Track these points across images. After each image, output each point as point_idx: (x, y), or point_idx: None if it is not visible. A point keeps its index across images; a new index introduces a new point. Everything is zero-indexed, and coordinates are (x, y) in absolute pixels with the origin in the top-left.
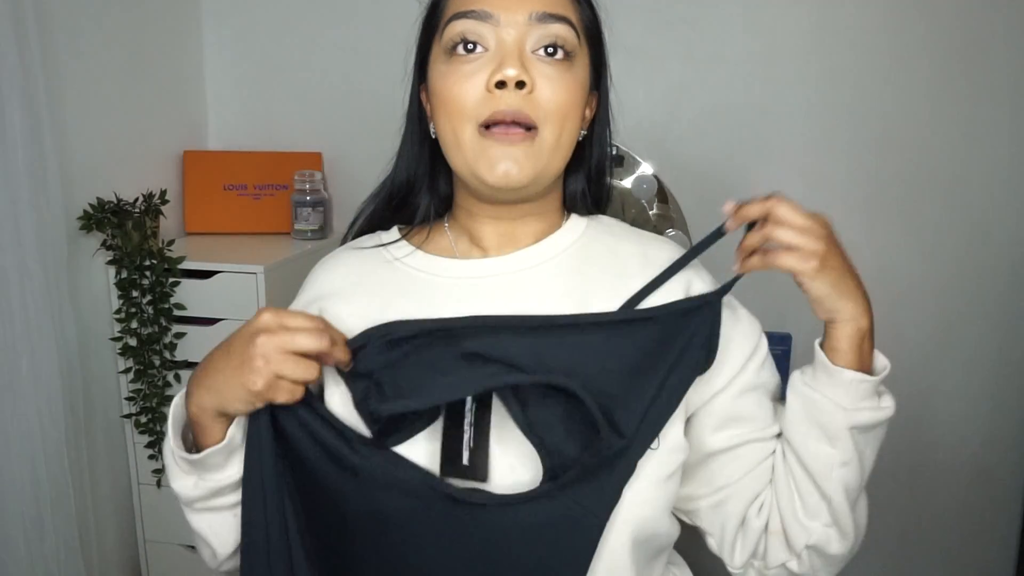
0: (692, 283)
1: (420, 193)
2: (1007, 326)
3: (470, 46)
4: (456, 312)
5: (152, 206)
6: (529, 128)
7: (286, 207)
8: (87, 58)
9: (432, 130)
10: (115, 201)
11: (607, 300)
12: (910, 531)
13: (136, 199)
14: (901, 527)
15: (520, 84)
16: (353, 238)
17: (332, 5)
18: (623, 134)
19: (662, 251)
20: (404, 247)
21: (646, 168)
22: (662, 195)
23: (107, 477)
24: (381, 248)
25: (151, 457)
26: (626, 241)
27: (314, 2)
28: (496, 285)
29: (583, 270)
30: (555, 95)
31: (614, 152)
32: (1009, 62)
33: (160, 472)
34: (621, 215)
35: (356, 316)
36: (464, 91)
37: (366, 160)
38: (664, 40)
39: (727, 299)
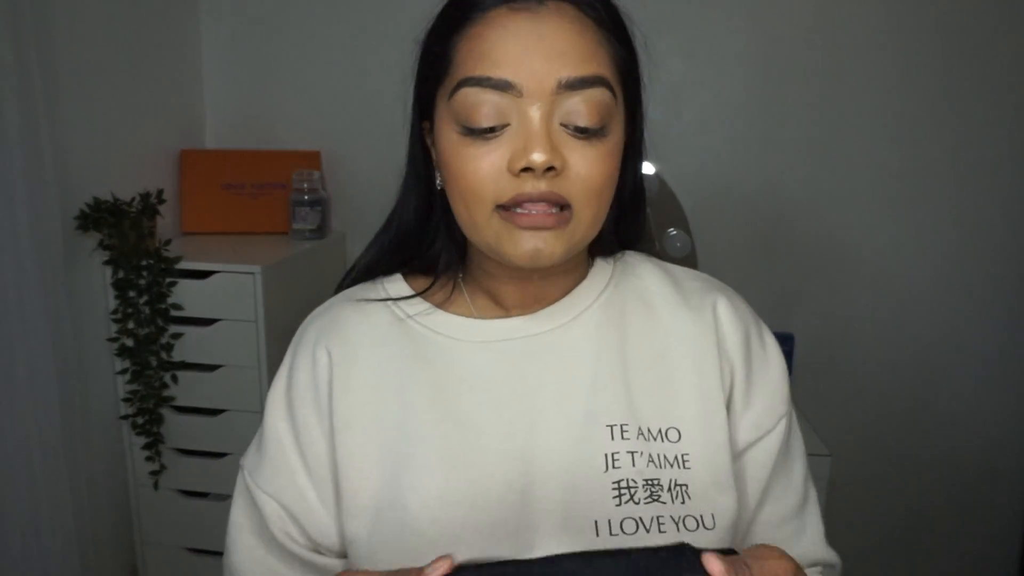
0: (717, 304)
1: (434, 242)
2: (1009, 325)
3: (488, 126)
4: (485, 380)
5: (149, 205)
6: (562, 207)
7: (284, 206)
8: (84, 57)
9: (439, 180)
10: (112, 200)
11: (647, 352)
12: (912, 531)
13: (133, 199)
14: (903, 527)
15: (549, 167)
16: (348, 285)
17: (330, 3)
18: None
19: (694, 282)
20: (418, 304)
21: (647, 167)
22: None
23: (104, 478)
24: (389, 302)
25: (148, 459)
26: (655, 281)
27: (312, 0)
28: (527, 348)
29: (618, 323)
30: (591, 174)
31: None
32: (1011, 61)
33: (157, 473)
34: None
35: (365, 382)
36: (481, 172)
37: (365, 159)
38: (666, 38)
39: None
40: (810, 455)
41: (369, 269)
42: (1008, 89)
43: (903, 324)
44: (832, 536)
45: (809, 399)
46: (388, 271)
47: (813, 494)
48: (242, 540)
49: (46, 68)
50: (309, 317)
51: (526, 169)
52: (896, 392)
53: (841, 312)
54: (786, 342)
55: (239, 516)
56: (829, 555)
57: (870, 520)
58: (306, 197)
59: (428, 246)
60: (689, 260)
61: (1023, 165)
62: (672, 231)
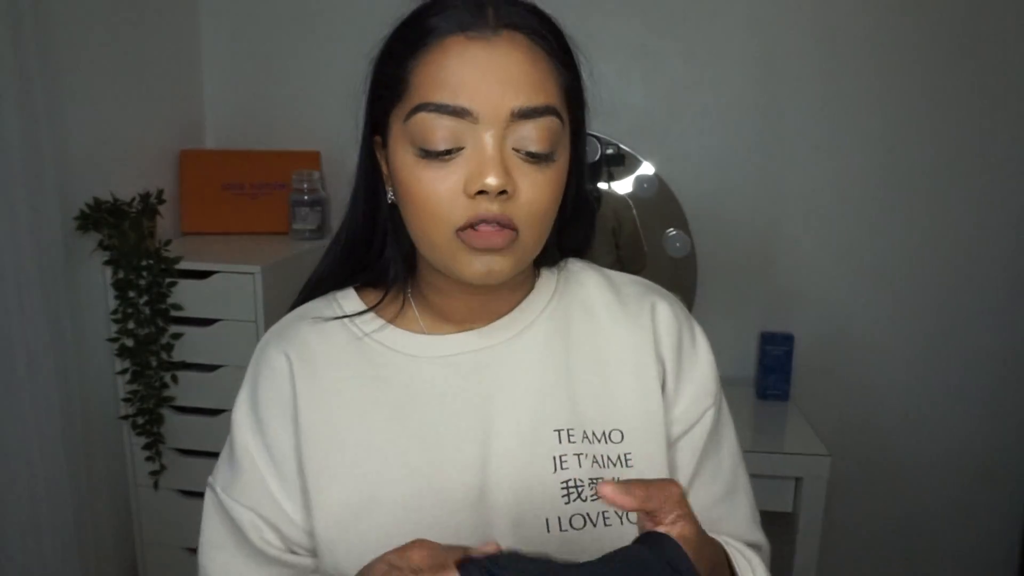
0: (656, 307)
1: (382, 254)
2: (1006, 325)
3: (444, 150)
4: (441, 394)
5: (149, 206)
6: (511, 228)
7: (284, 207)
8: (84, 57)
9: (390, 195)
10: (112, 201)
11: (589, 358)
12: (912, 531)
13: (133, 199)
14: (903, 527)
15: (502, 191)
16: (305, 299)
17: (329, 4)
18: (624, 133)
19: (631, 287)
20: (372, 320)
21: (647, 167)
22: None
23: (104, 478)
24: (346, 320)
25: (148, 459)
26: (596, 288)
27: (312, 1)
28: (477, 362)
29: (563, 332)
30: (537, 198)
31: (614, 152)
32: (1010, 61)
33: (157, 473)
34: (615, 223)
35: (328, 401)
36: (437, 194)
37: None
38: (665, 38)
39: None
40: (810, 455)
41: (322, 280)
42: (1008, 91)
43: (903, 324)
44: (831, 535)
45: (809, 399)
46: (339, 283)
47: (744, 481)
48: (218, 558)
49: (46, 68)
50: (265, 335)
51: (481, 192)
52: (896, 392)
53: (841, 312)
54: (786, 342)
55: (212, 535)
56: (756, 537)
57: (869, 520)
58: (306, 197)
59: (377, 256)
60: (689, 260)
61: (1021, 166)
62: (672, 231)
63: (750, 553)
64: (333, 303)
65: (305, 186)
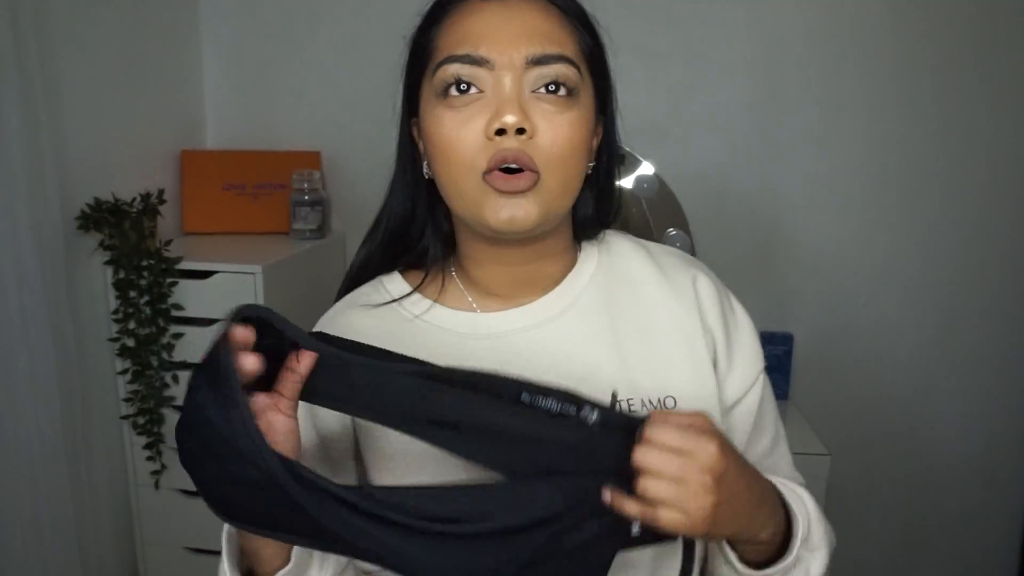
0: (697, 280)
1: (423, 235)
2: (1008, 326)
3: (464, 86)
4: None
5: (150, 206)
6: (533, 170)
7: (284, 207)
8: (85, 57)
9: (426, 169)
10: (113, 201)
11: (636, 328)
12: (912, 531)
13: (134, 199)
14: (903, 527)
15: (520, 130)
16: (350, 287)
17: (330, 4)
18: (624, 133)
19: (670, 258)
20: (420, 302)
21: (647, 167)
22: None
23: (105, 478)
24: (394, 304)
25: (149, 458)
26: (637, 259)
27: (312, 1)
28: (529, 339)
29: (608, 303)
30: (558, 138)
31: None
32: (1010, 62)
33: (158, 473)
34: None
35: None
36: (462, 138)
37: (365, 159)
38: (666, 39)
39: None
40: (810, 455)
41: (363, 267)
42: (1011, 89)
43: (902, 324)
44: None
45: (809, 399)
46: (381, 268)
47: (782, 429)
48: None
49: (47, 68)
50: (318, 323)
51: (500, 132)
52: (896, 392)
53: (841, 312)
54: (786, 342)
55: None
56: (799, 478)
57: (869, 520)
58: (306, 197)
59: (417, 239)
60: None
61: (1021, 166)
62: (672, 231)
63: (794, 486)
64: (380, 288)
65: (305, 186)
